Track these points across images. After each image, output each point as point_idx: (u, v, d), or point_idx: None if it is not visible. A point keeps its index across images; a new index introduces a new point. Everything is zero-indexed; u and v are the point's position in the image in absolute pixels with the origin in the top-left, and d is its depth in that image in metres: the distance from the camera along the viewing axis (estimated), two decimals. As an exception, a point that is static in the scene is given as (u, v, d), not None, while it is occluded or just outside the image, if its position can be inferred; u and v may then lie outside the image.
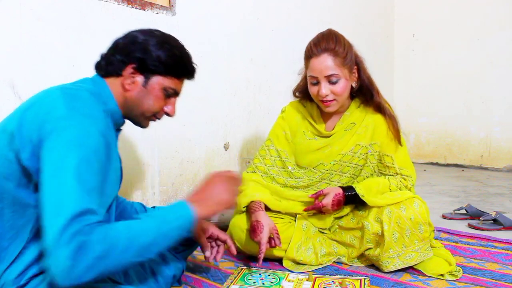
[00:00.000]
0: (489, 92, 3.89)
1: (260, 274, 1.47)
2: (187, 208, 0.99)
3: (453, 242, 1.84)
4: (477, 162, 4.00)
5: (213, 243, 1.38)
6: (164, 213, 0.97)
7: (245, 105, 2.68)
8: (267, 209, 1.60)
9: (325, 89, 1.53)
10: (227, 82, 2.54)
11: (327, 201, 1.54)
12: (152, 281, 1.22)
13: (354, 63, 1.57)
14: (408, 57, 4.41)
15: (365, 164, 1.65)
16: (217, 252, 1.37)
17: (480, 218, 2.11)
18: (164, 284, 1.27)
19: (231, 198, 1.10)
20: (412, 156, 1.73)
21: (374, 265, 1.55)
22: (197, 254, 1.60)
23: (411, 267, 1.49)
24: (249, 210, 1.58)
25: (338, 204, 1.56)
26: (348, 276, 1.46)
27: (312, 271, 1.52)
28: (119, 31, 1.16)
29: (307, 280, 1.41)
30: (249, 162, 2.69)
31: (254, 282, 1.39)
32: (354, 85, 1.60)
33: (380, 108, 1.62)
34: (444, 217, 2.26)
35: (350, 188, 1.57)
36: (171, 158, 2.21)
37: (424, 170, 3.90)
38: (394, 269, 1.47)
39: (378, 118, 1.63)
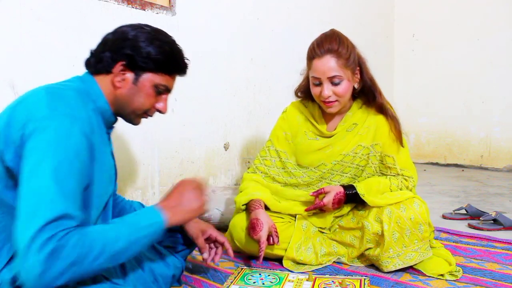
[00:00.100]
0: (489, 92, 3.89)
1: (260, 274, 1.47)
2: (159, 215, 1.00)
3: (453, 242, 1.84)
4: (477, 162, 4.00)
5: (212, 245, 1.37)
6: (137, 220, 0.97)
7: (245, 105, 2.69)
8: (267, 209, 1.60)
9: (327, 90, 1.53)
10: (227, 82, 2.54)
11: (328, 199, 1.54)
12: (151, 280, 1.22)
13: (356, 64, 1.57)
14: (408, 57, 4.41)
15: (366, 164, 1.65)
16: (215, 253, 1.36)
17: (480, 218, 2.11)
18: (163, 284, 1.26)
19: (202, 205, 1.11)
20: (412, 156, 1.73)
21: (374, 265, 1.55)
22: (197, 254, 1.59)
23: (411, 267, 1.49)
24: (249, 208, 1.58)
25: (339, 203, 1.56)
26: (348, 276, 1.46)
27: (312, 271, 1.52)
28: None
29: (307, 280, 1.41)
30: (249, 162, 2.69)
31: (254, 282, 1.39)
32: (356, 86, 1.60)
33: (382, 109, 1.62)
34: (444, 217, 2.26)
35: (351, 187, 1.57)
36: (171, 158, 2.21)
37: (424, 170, 3.90)
38: (394, 269, 1.47)
39: (380, 119, 1.63)
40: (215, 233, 1.35)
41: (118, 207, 1.32)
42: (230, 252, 1.36)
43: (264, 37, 2.79)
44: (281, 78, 2.87)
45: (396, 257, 1.46)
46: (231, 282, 1.39)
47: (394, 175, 1.62)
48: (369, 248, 1.53)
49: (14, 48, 1.57)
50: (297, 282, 1.40)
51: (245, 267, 1.53)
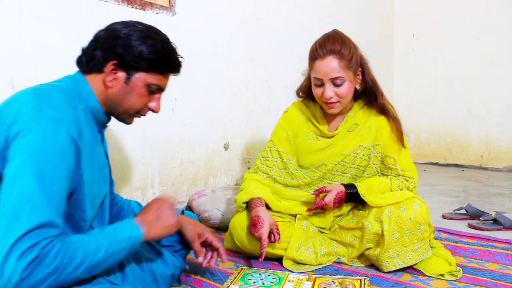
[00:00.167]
0: (489, 92, 3.89)
1: (260, 274, 1.47)
2: (138, 230, 1.01)
3: (453, 242, 1.84)
4: (477, 162, 4.00)
5: (208, 248, 1.36)
6: (117, 232, 0.97)
7: (245, 105, 2.69)
8: (268, 208, 1.60)
9: (329, 91, 1.53)
10: (227, 82, 2.54)
11: (329, 199, 1.54)
12: (150, 280, 1.22)
13: (359, 65, 1.56)
14: (408, 57, 4.41)
15: (367, 165, 1.65)
16: (211, 257, 1.36)
17: (480, 218, 2.11)
18: (163, 283, 1.26)
19: (177, 223, 1.14)
20: (412, 156, 1.73)
21: (374, 265, 1.55)
22: (194, 256, 1.59)
23: (411, 267, 1.49)
24: (250, 206, 1.58)
25: (340, 202, 1.56)
26: (348, 276, 1.46)
27: (312, 271, 1.52)
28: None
29: (307, 280, 1.41)
30: (249, 162, 2.69)
31: (254, 282, 1.39)
32: (358, 87, 1.60)
33: (383, 110, 1.62)
34: (444, 217, 2.26)
35: (352, 186, 1.57)
36: (171, 158, 2.21)
37: (424, 170, 3.90)
38: (394, 269, 1.47)
39: (382, 120, 1.63)
40: (211, 237, 1.34)
41: (115, 207, 1.32)
42: (224, 257, 1.35)
43: (264, 37, 2.79)
44: (281, 78, 2.87)
45: (396, 257, 1.46)
46: (231, 282, 1.39)
47: (395, 176, 1.62)
48: (369, 248, 1.53)
49: (14, 48, 1.57)
50: (297, 282, 1.40)
51: (245, 267, 1.53)
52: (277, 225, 1.51)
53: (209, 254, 1.36)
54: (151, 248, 1.29)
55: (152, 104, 1.11)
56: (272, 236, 1.49)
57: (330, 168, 1.67)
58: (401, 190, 1.58)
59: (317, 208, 1.58)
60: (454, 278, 1.43)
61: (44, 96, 0.93)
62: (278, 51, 2.89)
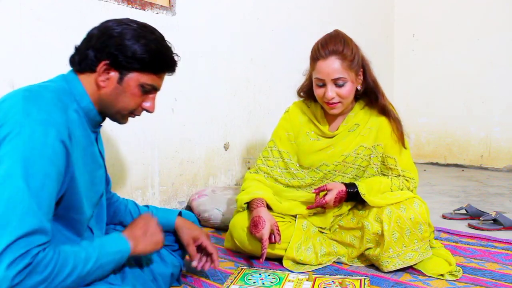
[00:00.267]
0: (489, 92, 3.89)
1: (260, 274, 1.47)
2: (127, 244, 1.02)
3: (453, 242, 1.84)
4: (477, 162, 4.00)
5: (203, 252, 1.36)
6: (106, 245, 0.97)
7: (245, 105, 2.69)
8: (269, 208, 1.60)
9: (331, 92, 1.53)
10: (227, 82, 2.54)
11: (330, 197, 1.54)
12: (150, 280, 1.22)
13: (360, 66, 1.56)
14: (408, 57, 4.41)
15: (368, 165, 1.65)
16: (206, 261, 1.35)
17: (480, 218, 2.11)
18: (163, 283, 1.26)
19: (162, 240, 1.14)
20: (412, 156, 1.73)
21: (374, 265, 1.55)
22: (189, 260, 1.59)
23: (411, 267, 1.49)
24: (251, 207, 1.58)
25: (340, 201, 1.57)
26: (348, 276, 1.46)
27: (312, 271, 1.52)
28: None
29: (307, 280, 1.41)
30: (249, 162, 2.69)
31: (254, 282, 1.39)
32: (359, 87, 1.60)
33: (384, 110, 1.62)
34: (444, 217, 2.26)
35: (353, 185, 1.57)
36: (171, 158, 2.21)
37: (424, 170, 3.90)
38: (394, 269, 1.47)
39: (383, 120, 1.63)
40: (206, 242, 1.33)
41: (112, 207, 1.31)
42: (216, 264, 1.35)
43: (264, 37, 2.79)
44: (281, 78, 2.87)
45: (396, 257, 1.46)
46: (231, 282, 1.39)
47: (395, 176, 1.62)
48: (369, 248, 1.53)
49: (14, 48, 1.57)
50: (297, 282, 1.40)
51: (245, 267, 1.53)
52: (278, 226, 1.51)
53: (204, 258, 1.36)
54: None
55: (146, 104, 1.08)
56: (273, 237, 1.49)
57: (331, 169, 1.67)
58: (401, 190, 1.58)
59: (318, 207, 1.58)
60: (454, 278, 1.43)
61: (34, 97, 0.91)
62: (278, 51, 2.90)
